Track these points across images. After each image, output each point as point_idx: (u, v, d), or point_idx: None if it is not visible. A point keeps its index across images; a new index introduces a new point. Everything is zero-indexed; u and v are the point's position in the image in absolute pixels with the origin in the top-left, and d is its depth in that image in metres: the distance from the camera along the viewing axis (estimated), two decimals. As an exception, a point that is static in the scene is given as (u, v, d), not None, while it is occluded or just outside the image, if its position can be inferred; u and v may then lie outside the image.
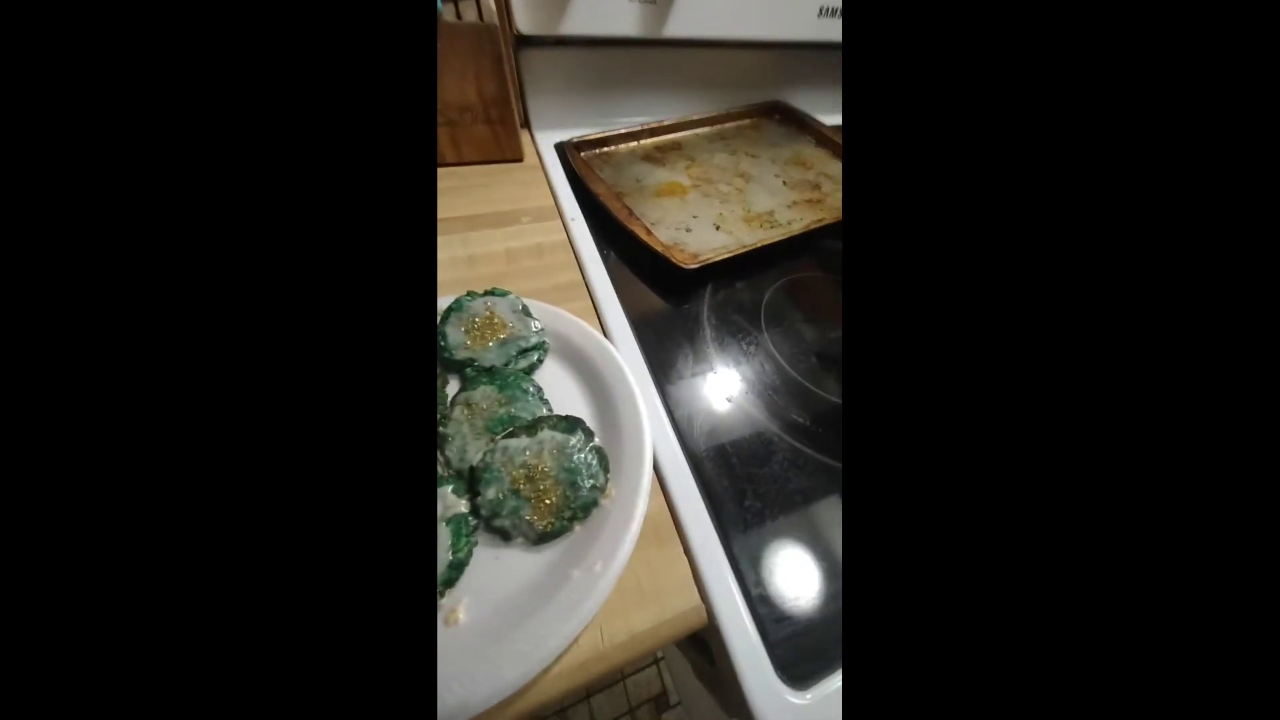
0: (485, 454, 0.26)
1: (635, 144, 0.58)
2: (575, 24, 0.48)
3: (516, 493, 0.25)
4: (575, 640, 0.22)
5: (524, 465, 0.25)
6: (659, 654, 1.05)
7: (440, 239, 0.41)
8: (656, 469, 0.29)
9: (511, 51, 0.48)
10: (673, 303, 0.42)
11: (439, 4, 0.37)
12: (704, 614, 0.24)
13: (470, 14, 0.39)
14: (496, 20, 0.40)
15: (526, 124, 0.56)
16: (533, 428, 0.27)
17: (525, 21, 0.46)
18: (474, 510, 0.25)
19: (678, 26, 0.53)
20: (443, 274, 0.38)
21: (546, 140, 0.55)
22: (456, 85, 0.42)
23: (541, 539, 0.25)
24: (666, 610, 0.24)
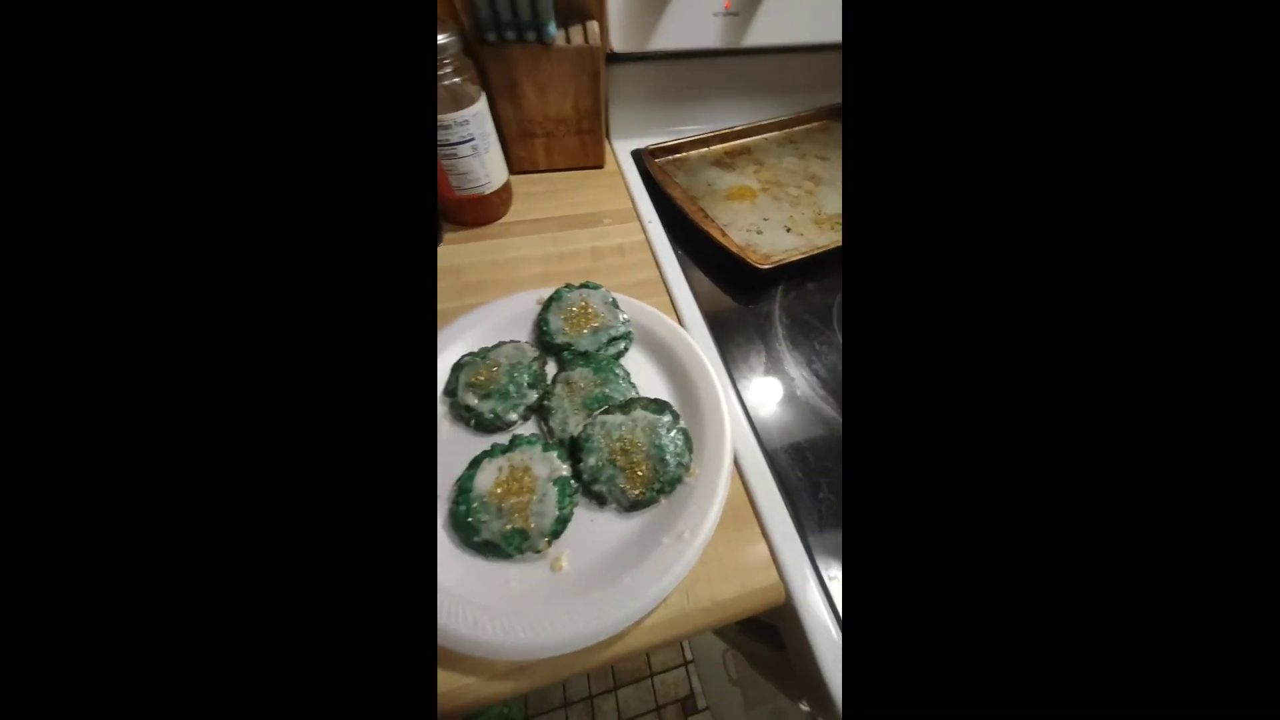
0: (586, 426, 0.29)
1: (705, 149, 0.60)
2: (662, 40, 0.51)
3: (613, 463, 0.28)
4: (665, 600, 0.24)
5: (619, 439, 0.28)
6: (689, 656, 1.05)
7: (535, 237, 0.46)
8: (734, 456, 0.31)
9: (603, 68, 0.52)
10: (744, 301, 0.43)
11: (552, 30, 0.42)
12: (782, 592, 0.26)
13: (578, 38, 0.44)
14: (599, 42, 0.44)
15: (606, 133, 0.61)
16: (627, 407, 0.29)
17: (619, 41, 0.50)
18: (575, 475, 0.28)
19: (758, 35, 0.54)
20: (537, 268, 0.43)
21: (624, 148, 0.59)
22: (558, 102, 0.47)
23: (632, 506, 0.27)
24: (747, 585, 0.26)
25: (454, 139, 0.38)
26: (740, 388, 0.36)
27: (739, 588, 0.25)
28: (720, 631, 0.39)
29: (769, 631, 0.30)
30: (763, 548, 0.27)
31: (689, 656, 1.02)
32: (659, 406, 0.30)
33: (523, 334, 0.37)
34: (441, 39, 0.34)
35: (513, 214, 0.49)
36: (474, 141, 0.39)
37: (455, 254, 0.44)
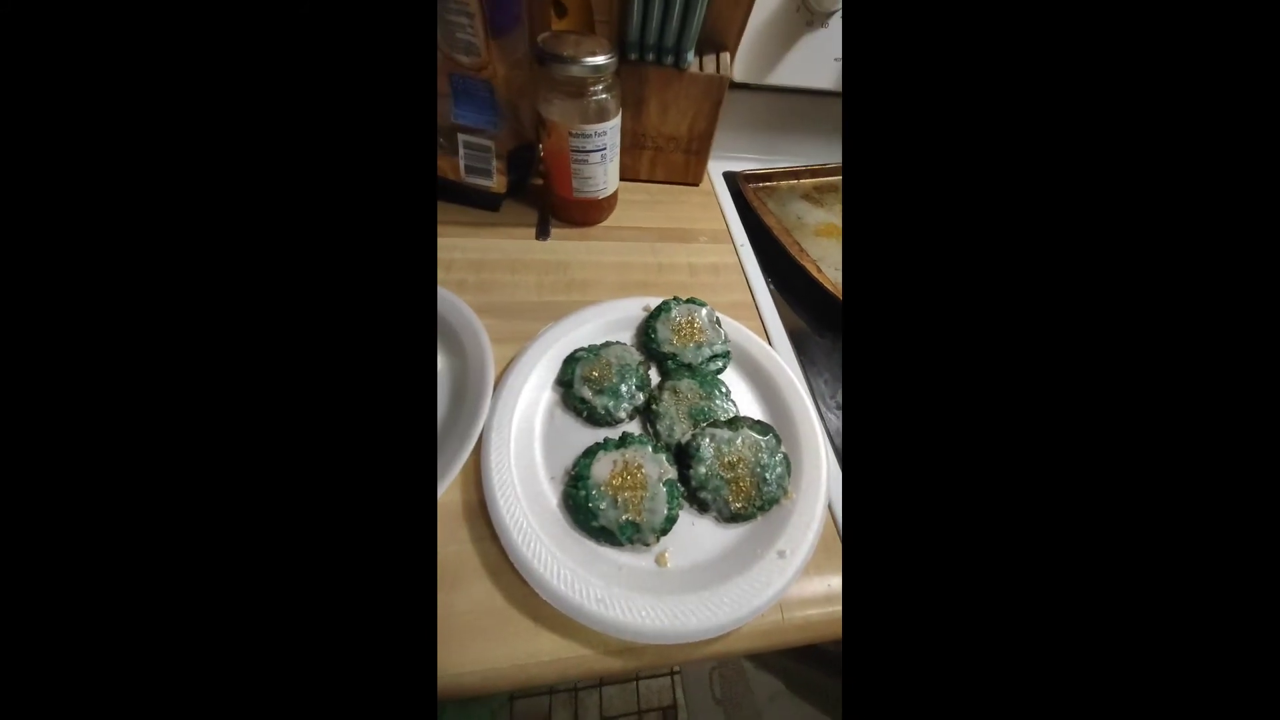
0: (695, 436, 0.31)
1: (795, 181, 0.62)
2: (780, 76, 0.53)
3: (720, 475, 0.29)
4: (764, 611, 0.26)
5: (727, 454, 0.30)
6: (676, 667, 1.05)
7: (634, 244, 0.48)
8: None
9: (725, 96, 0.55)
10: (831, 338, 0.45)
11: (690, 57, 0.44)
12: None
13: (710, 66, 0.46)
14: (729, 72, 0.47)
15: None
16: (734, 424, 0.31)
17: (741, 71, 0.52)
18: (682, 480, 0.30)
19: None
20: (638, 275, 0.45)
21: (716, 169, 0.61)
22: (676, 121, 0.49)
23: (733, 518, 0.29)
24: (839, 609, 0.27)
25: (589, 147, 0.41)
26: (825, 420, 0.37)
27: (830, 611, 0.27)
28: (766, 657, 0.41)
29: (832, 660, 0.31)
30: (848, 577, 0.29)
31: (676, 668, 1.03)
32: (763, 429, 0.32)
33: (626, 336, 0.39)
34: (603, 59, 0.37)
35: (615, 219, 0.51)
36: (605, 151, 0.42)
37: (563, 250, 0.46)
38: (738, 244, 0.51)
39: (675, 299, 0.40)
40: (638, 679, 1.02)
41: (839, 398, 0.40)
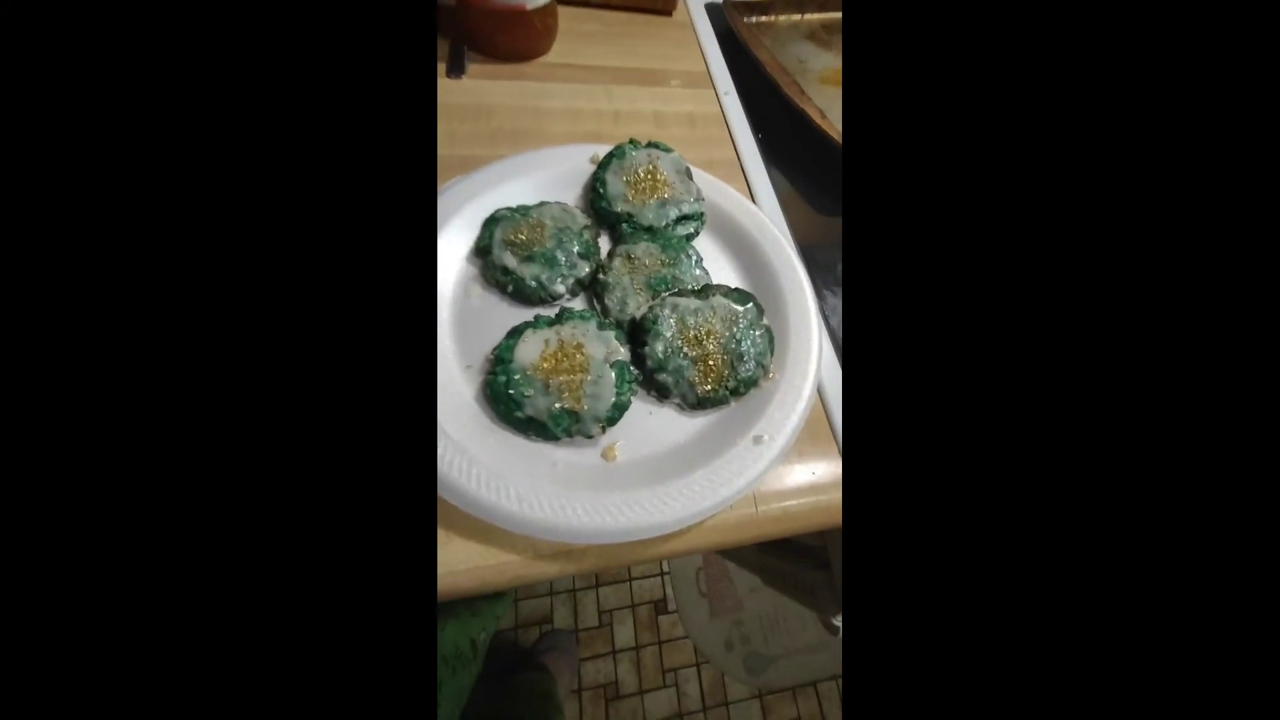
0: (653, 308, 0.24)
1: (799, 17, 0.48)
2: None
3: (683, 352, 0.23)
4: (734, 502, 0.21)
5: (693, 327, 0.23)
6: (665, 567, 1.14)
7: (583, 87, 0.36)
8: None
9: None
10: (828, 203, 0.36)
11: None
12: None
13: None
14: None
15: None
16: (704, 292, 0.24)
17: None
18: (635, 361, 0.24)
19: None
20: (587, 125, 0.35)
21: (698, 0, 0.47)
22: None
23: (699, 404, 0.24)
24: (822, 501, 0.23)
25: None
26: (823, 298, 0.30)
27: (812, 503, 0.23)
28: (740, 551, 0.40)
29: (807, 552, 0.29)
30: (837, 465, 0.24)
31: (665, 568, 1.11)
32: (741, 296, 0.25)
33: (570, 196, 0.30)
34: None
35: (556, 53, 0.38)
36: (522, -88, 0.28)
37: (484, 91, 0.34)
38: (720, 90, 0.39)
39: (633, 142, 0.30)
40: (630, 579, 1.10)
41: (836, 271, 0.33)
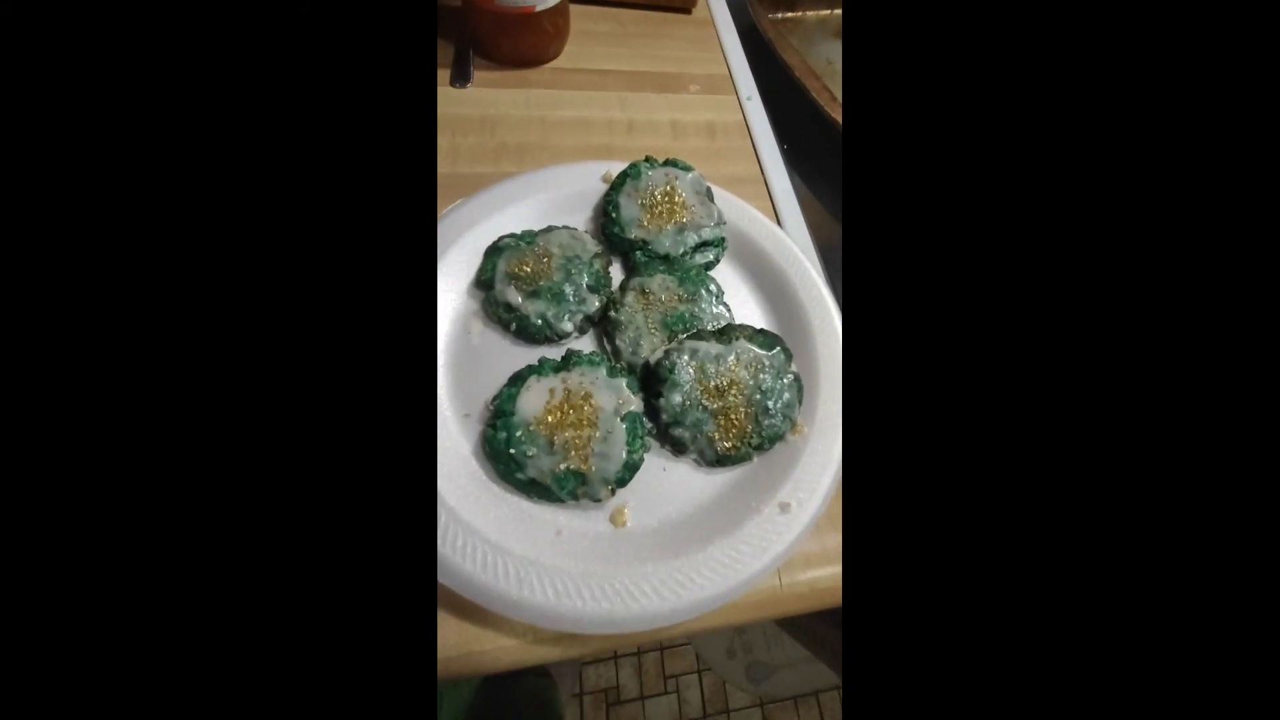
0: (669, 353, 0.22)
1: (828, 12, 0.44)
2: None
3: (702, 404, 0.21)
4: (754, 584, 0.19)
5: (713, 375, 0.21)
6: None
7: (595, 95, 0.34)
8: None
9: None
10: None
11: None
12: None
13: None
14: None
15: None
16: (725, 335, 0.22)
17: None
18: (649, 412, 0.22)
19: None
20: (598, 136, 0.32)
21: (718, -9, 0.43)
22: None
23: (718, 462, 0.21)
24: None
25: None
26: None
27: (838, 574, 0.21)
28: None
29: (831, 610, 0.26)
30: (870, 531, 0.22)
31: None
32: (767, 340, 0.22)
33: (579, 221, 0.27)
34: None
35: (567, 57, 0.36)
36: (531, -97, 0.26)
37: (489, 101, 0.32)
38: (743, 96, 0.36)
39: (649, 160, 0.27)
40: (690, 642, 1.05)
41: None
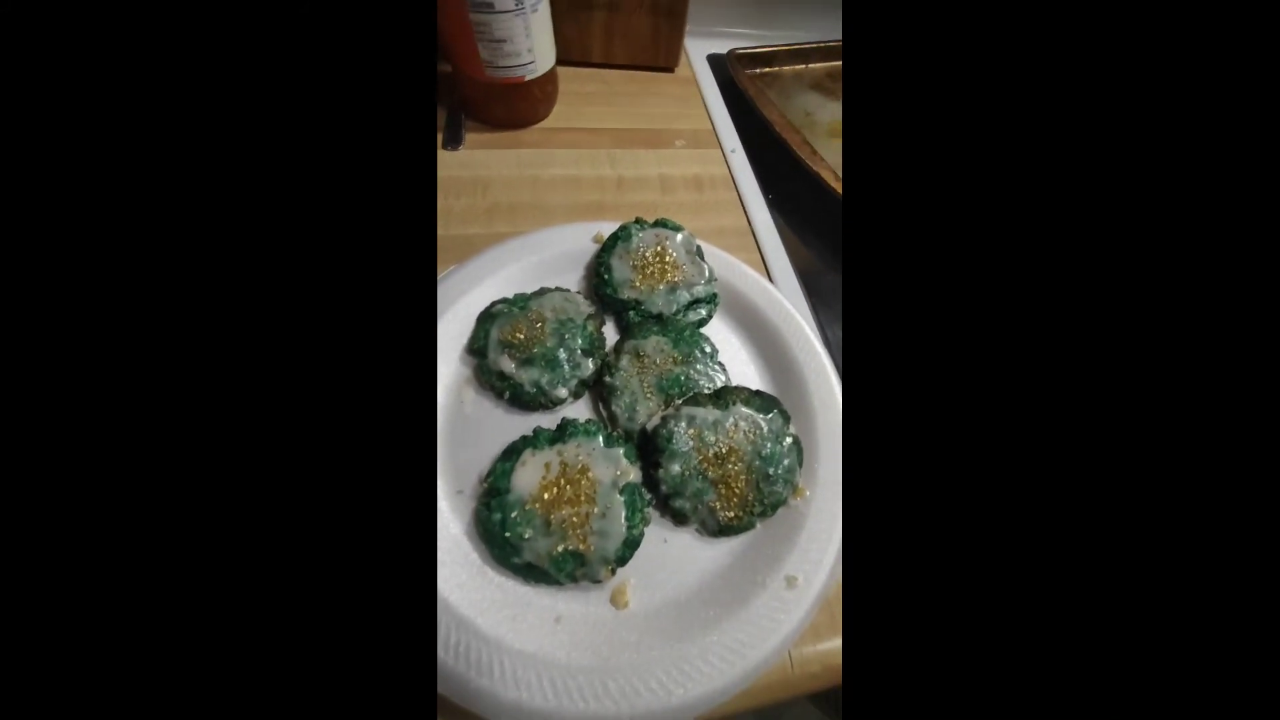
0: (666, 419, 0.21)
1: (803, 66, 0.47)
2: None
3: (703, 473, 0.21)
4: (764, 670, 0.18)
5: (713, 443, 0.21)
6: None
7: (584, 153, 0.35)
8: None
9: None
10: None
11: None
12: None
13: None
14: None
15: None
16: (721, 399, 0.22)
17: None
18: (648, 483, 0.21)
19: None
20: (588, 194, 0.33)
21: (699, 50, 0.46)
22: (633, -50, 0.34)
23: (721, 531, 0.21)
24: None
25: (493, -21, 0.26)
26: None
27: None
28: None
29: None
30: (879, 596, 0.21)
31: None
32: (765, 403, 0.22)
33: (571, 281, 0.28)
34: None
35: (557, 116, 0.37)
36: (521, -11, 0.27)
37: (480, 163, 0.33)
38: (727, 149, 0.38)
39: (639, 222, 0.28)
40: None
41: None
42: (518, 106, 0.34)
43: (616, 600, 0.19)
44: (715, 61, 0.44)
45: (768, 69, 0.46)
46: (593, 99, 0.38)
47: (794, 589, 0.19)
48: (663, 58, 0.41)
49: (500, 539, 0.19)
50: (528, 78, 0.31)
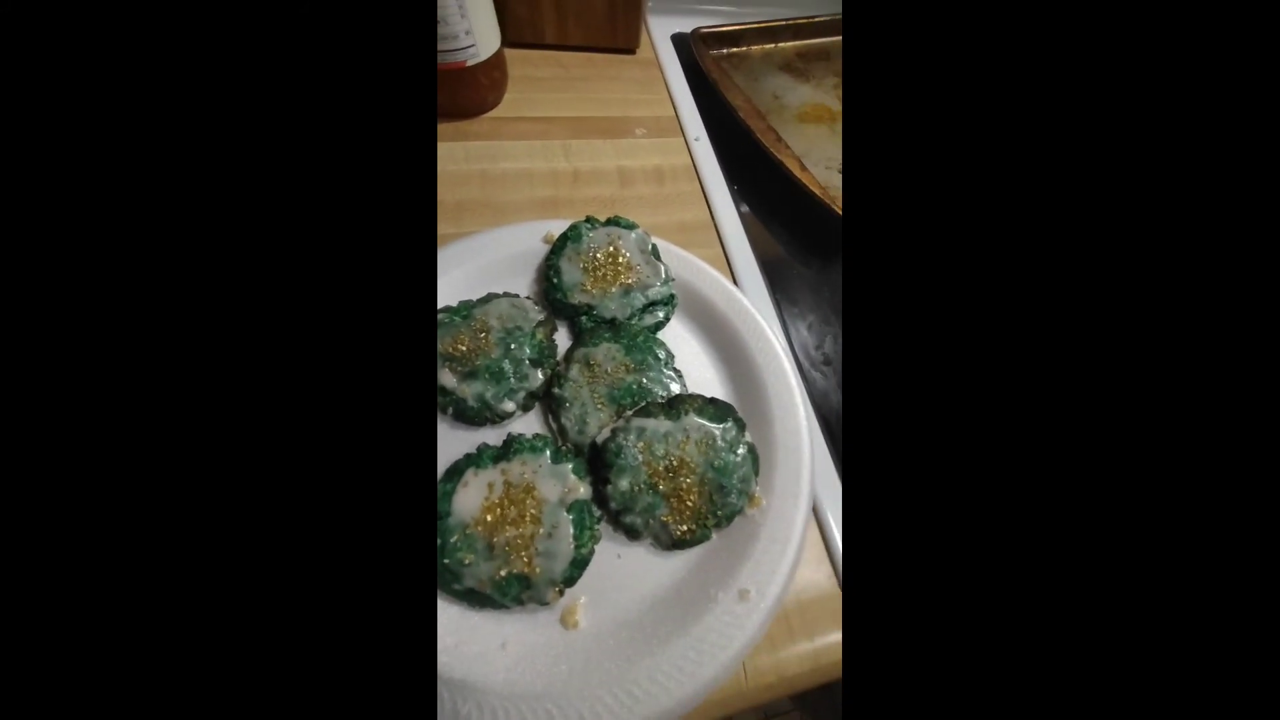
0: (616, 432, 0.20)
1: (772, 46, 0.45)
2: None
3: (653, 487, 0.20)
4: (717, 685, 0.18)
5: (663, 456, 0.20)
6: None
7: (538, 144, 0.33)
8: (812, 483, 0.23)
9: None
10: (818, 263, 0.33)
11: None
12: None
13: None
14: None
15: (638, 2, 0.44)
16: (674, 408, 0.21)
17: None
18: (598, 499, 0.20)
19: None
20: (542, 189, 0.31)
21: (663, 29, 0.43)
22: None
23: (675, 545, 0.20)
24: (822, 649, 0.20)
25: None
26: (809, 380, 0.27)
27: (811, 657, 0.20)
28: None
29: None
30: (836, 601, 0.21)
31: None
32: (719, 412, 0.21)
33: (522, 285, 0.26)
34: None
35: (507, 105, 0.35)
36: (450, -37, 0.25)
37: (425, 157, 0.31)
38: (690, 137, 0.36)
39: (590, 221, 0.26)
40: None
41: (826, 348, 0.30)
42: (462, 95, 0.31)
43: (566, 621, 0.19)
44: (680, 41, 0.42)
45: (734, 49, 0.43)
46: (546, 85, 0.36)
47: (746, 602, 0.18)
48: (622, 38, 0.38)
49: (441, 566, 0.18)
50: (469, 62, 0.29)
